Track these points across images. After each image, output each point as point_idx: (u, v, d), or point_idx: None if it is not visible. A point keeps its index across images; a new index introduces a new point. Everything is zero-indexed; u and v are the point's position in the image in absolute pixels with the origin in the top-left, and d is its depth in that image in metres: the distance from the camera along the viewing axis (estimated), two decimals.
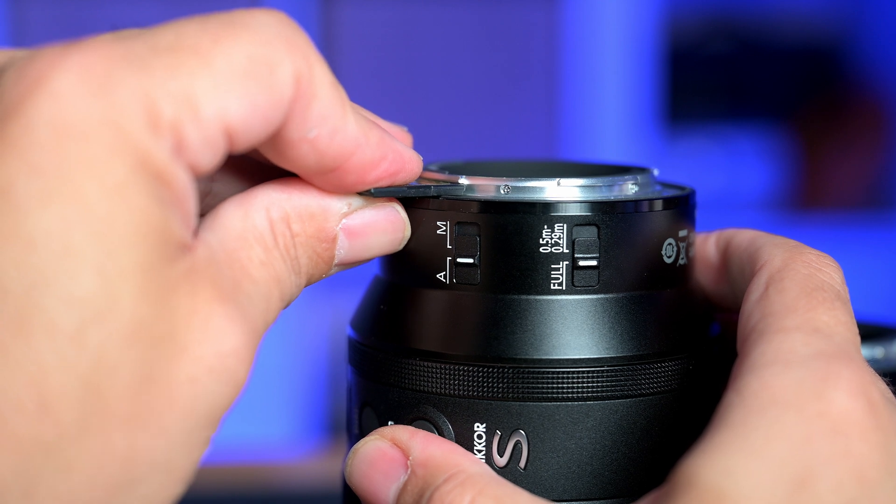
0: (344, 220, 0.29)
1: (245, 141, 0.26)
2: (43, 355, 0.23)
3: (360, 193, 0.29)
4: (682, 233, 0.32)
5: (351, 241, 0.29)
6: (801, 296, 0.28)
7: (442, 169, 0.32)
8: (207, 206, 0.30)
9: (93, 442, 0.23)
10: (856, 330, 0.28)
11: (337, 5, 1.69)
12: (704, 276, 0.33)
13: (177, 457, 0.24)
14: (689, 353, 0.31)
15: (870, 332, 0.36)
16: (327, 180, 0.28)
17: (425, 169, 0.32)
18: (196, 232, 0.26)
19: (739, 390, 0.27)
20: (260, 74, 0.25)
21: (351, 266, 0.30)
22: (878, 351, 0.34)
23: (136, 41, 0.25)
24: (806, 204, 1.90)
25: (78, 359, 0.23)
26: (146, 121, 0.24)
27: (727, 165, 1.89)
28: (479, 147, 1.72)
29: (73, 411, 0.23)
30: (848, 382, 0.26)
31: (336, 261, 0.29)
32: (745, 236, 0.33)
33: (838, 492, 0.25)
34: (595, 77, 1.71)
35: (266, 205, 0.27)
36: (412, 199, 0.30)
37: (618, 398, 0.30)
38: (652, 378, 0.30)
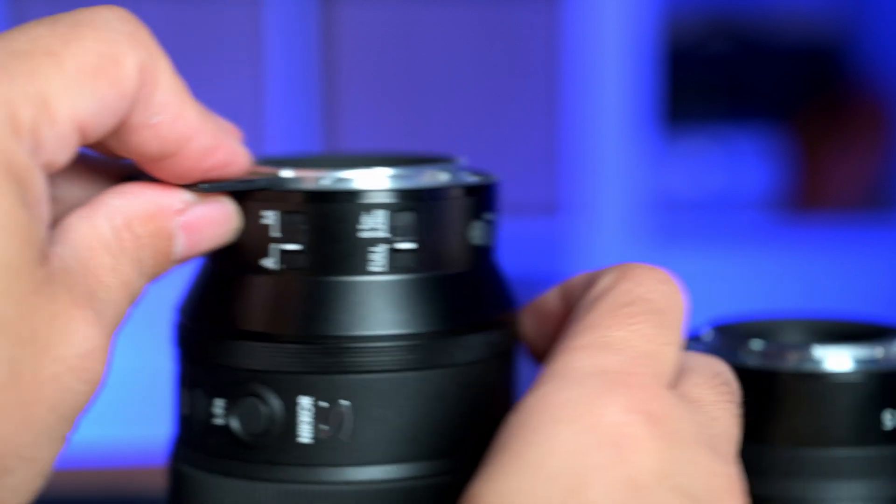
0: (180, 218, 0.31)
1: (95, 134, 0.28)
2: None
3: (191, 188, 0.31)
4: (488, 216, 0.34)
5: (188, 236, 0.31)
6: (607, 313, 0.30)
7: (269, 163, 0.34)
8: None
9: None
10: (667, 341, 0.29)
11: (337, 5, 1.69)
12: (547, 328, 0.34)
13: (42, 450, 0.26)
14: (495, 326, 0.33)
15: (869, 332, 0.37)
16: (165, 167, 0.30)
17: (258, 164, 0.34)
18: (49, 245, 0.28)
19: (519, 409, 0.28)
20: (107, 70, 0.27)
21: (188, 259, 0.32)
22: (878, 351, 0.35)
23: None
24: (806, 204, 1.90)
25: None
26: (9, 125, 0.26)
27: (727, 165, 1.89)
28: (478, 147, 1.72)
29: None
30: (624, 398, 0.27)
31: (174, 256, 0.31)
32: (581, 276, 0.34)
33: (609, 497, 0.26)
34: (595, 77, 1.71)
35: (108, 214, 0.29)
36: (240, 193, 0.33)
37: (432, 369, 0.32)
38: (463, 349, 0.32)
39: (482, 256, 0.34)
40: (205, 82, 1.69)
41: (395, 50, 1.71)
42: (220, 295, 0.33)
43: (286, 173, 0.33)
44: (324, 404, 0.32)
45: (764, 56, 1.91)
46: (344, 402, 0.32)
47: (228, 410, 0.32)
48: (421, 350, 0.32)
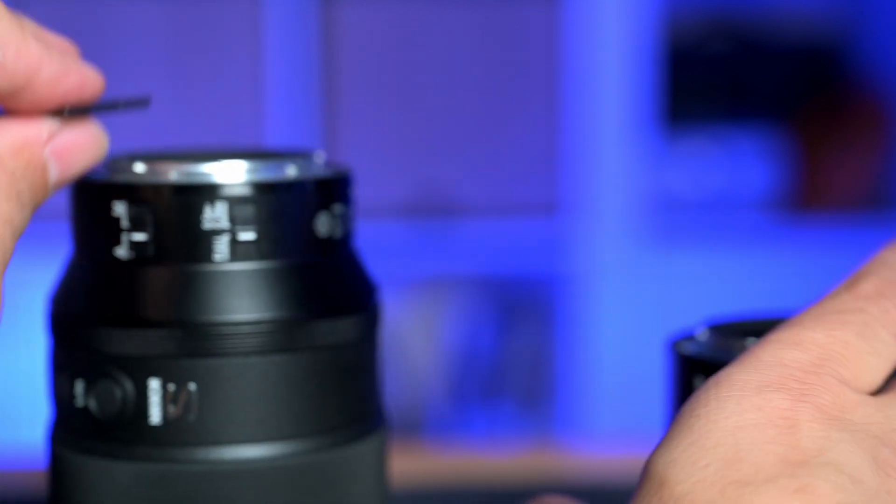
0: (49, 146, 0.32)
1: None
2: None
3: (56, 115, 0.32)
4: (337, 208, 0.36)
5: (60, 162, 0.32)
6: (814, 315, 0.31)
7: (129, 157, 0.36)
8: None
9: None
10: (871, 351, 0.30)
11: (337, 5, 1.69)
12: None
13: None
14: (342, 313, 0.35)
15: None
16: (22, 101, 0.31)
17: (118, 159, 0.36)
18: None
19: (700, 387, 0.29)
20: None
21: (65, 185, 0.33)
22: None
23: None
24: (806, 204, 1.90)
25: None
26: None
27: (727, 165, 1.89)
28: (478, 147, 1.72)
29: None
30: (796, 392, 0.28)
31: (50, 184, 0.32)
32: None
33: (762, 471, 0.26)
34: (595, 77, 1.71)
35: None
36: (95, 189, 0.34)
37: (276, 353, 0.34)
38: (306, 336, 0.34)
39: (332, 247, 0.36)
40: (205, 82, 1.69)
41: (395, 50, 1.71)
42: (80, 284, 0.35)
43: (138, 167, 0.35)
44: (172, 387, 0.34)
45: (764, 56, 1.91)
46: (191, 385, 0.34)
47: (87, 392, 0.34)
48: (264, 336, 0.34)
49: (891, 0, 1.97)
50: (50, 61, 0.31)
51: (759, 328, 0.37)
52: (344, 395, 0.35)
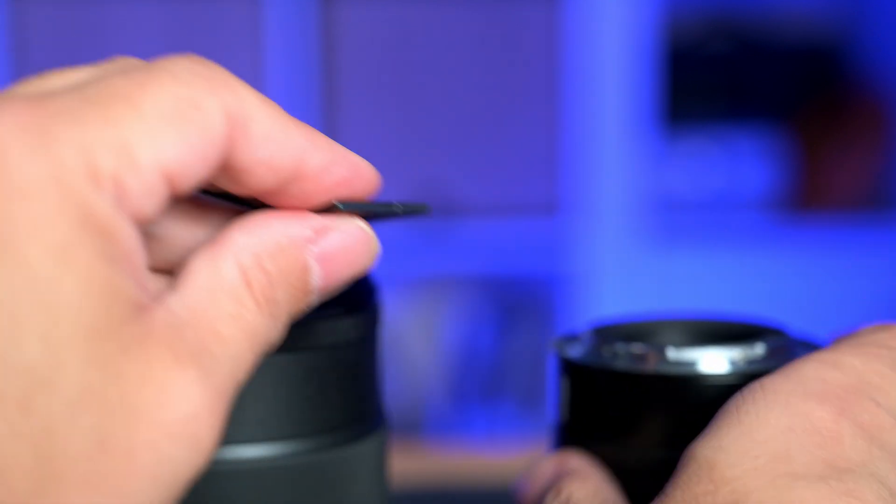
0: (313, 248, 0.28)
1: (187, 181, 0.26)
2: None
3: (325, 212, 0.29)
4: None
5: (324, 266, 0.29)
6: (851, 345, 0.32)
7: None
8: (154, 254, 0.30)
9: None
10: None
11: (337, 5, 1.69)
12: None
13: None
14: (340, 315, 0.35)
15: (747, 333, 0.37)
16: (288, 197, 0.28)
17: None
18: (156, 291, 0.26)
19: (745, 391, 0.31)
20: (188, 114, 0.25)
21: (329, 292, 0.29)
22: (742, 352, 0.35)
23: (67, 95, 0.25)
24: (806, 204, 1.90)
25: (26, 427, 0.23)
26: (87, 174, 0.24)
27: (727, 165, 1.89)
28: (479, 147, 1.72)
29: (27, 479, 0.23)
30: (837, 407, 0.30)
31: (311, 292, 0.28)
32: None
33: (811, 470, 0.28)
34: (595, 77, 1.71)
35: (235, 254, 0.27)
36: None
37: (276, 353, 0.32)
38: (306, 336, 0.34)
39: None
40: None
41: (395, 50, 1.71)
42: None
43: None
44: None
45: (764, 56, 1.91)
46: None
47: None
48: None
49: (891, 0, 1.97)
50: (316, 150, 0.28)
51: (641, 330, 0.37)
52: (344, 395, 0.35)
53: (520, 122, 1.73)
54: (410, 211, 0.31)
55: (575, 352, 0.36)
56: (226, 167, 0.27)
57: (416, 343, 1.71)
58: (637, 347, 0.35)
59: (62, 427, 0.23)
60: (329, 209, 0.29)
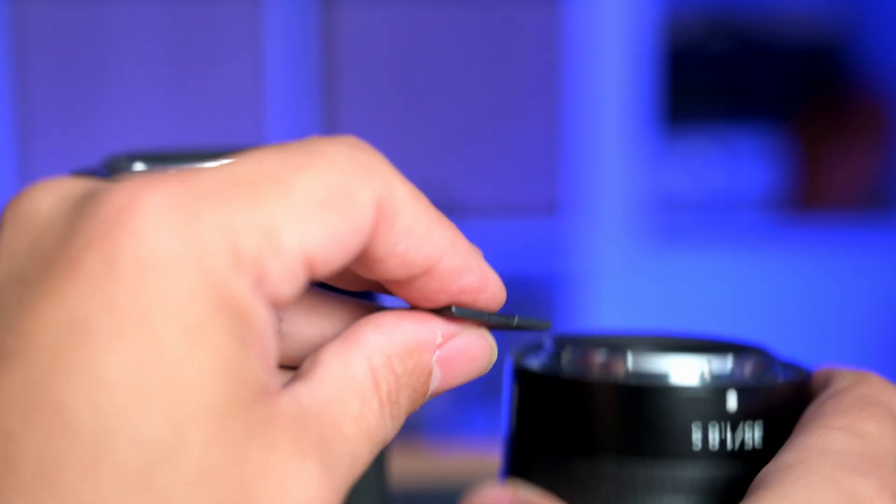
0: (437, 352, 0.29)
1: (325, 269, 0.26)
2: (110, 496, 0.22)
3: (441, 313, 0.29)
4: None
5: (444, 371, 0.29)
6: (854, 405, 0.31)
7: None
8: (281, 350, 0.30)
9: None
10: None
11: (337, 5, 1.69)
12: None
13: None
14: None
15: (712, 349, 0.36)
16: (412, 289, 0.28)
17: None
18: (285, 380, 0.26)
19: (779, 465, 0.29)
20: (339, 203, 0.25)
21: (441, 393, 0.30)
22: (699, 365, 0.34)
23: (217, 173, 0.25)
24: (806, 204, 1.90)
25: (144, 500, 0.23)
26: (229, 256, 0.24)
27: (727, 165, 1.89)
28: (479, 147, 1.72)
29: None
30: (878, 480, 0.29)
31: (430, 391, 0.29)
32: (818, 373, 0.35)
33: None
34: (595, 77, 1.71)
35: (367, 353, 0.27)
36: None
37: None
38: None
39: None
40: (205, 82, 1.69)
41: (395, 50, 1.71)
42: None
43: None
44: None
45: (764, 56, 1.91)
46: None
47: None
48: None
49: (891, 0, 1.97)
50: (454, 254, 0.28)
51: (608, 342, 0.36)
52: None
53: (520, 122, 1.73)
54: (526, 326, 0.31)
55: (530, 361, 0.35)
56: (362, 254, 0.27)
57: None
58: (591, 355, 0.33)
59: (180, 503, 0.23)
60: (441, 310, 0.29)
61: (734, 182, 1.89)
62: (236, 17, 1.67)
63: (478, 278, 0.29)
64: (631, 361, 0.32)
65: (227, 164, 0.25)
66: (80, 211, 0.24)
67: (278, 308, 0.25)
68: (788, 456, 0.29)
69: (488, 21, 1.72)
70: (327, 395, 0.26)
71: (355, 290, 0.31)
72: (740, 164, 1.89)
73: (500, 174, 1.73)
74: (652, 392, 0.32)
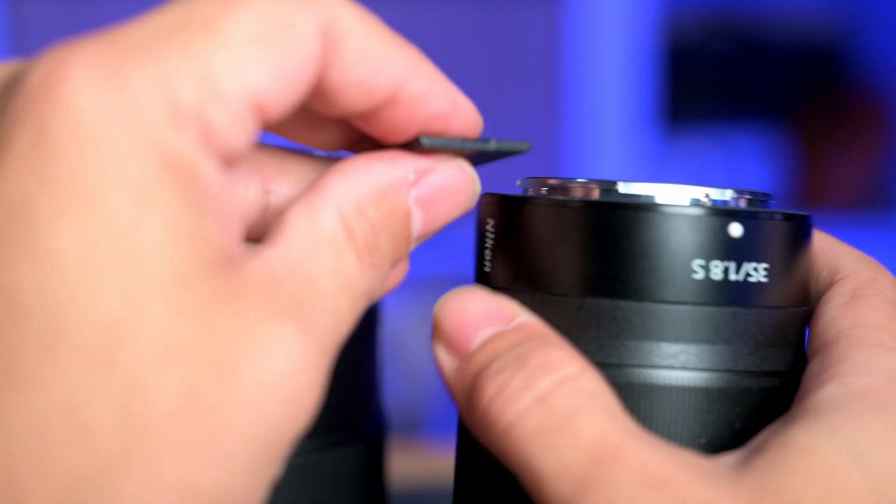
0: (413, 191, 0.26)
1: (277, 110, 0.24)
2: (72, 379, 0.21)
3: (411, 147, 0.26)
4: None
5: (425, 211, 0.27)
6: (893, 318, 0.29)
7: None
8: (268, 223, 0.28)
9: (140, 471, 0.21)
10: None
11: None
12: None
13: (243, 486, 0.22)
14: None
15: None
16: (378, 121, 0.26)
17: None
18: (258, 250, 0.24)
19: (849, 389, 0.26)
20: (278, 35, 0.23)
21: (427, 238, 0.28)
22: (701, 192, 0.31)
23: (143, 26, 0.23)
24: (806, 204, 1.90)
25: (109, 381, 0.21)
26: (167, 112, 0.22)
27: (727, 165, 1.89)
28: None
29: (113, 438, 0.21)
30: None
31: (414, 236, 0.27)
32: (818, 240, 0.33)
33: None
34: (595, 77, 1.71)
35: (336, 203, 0.25)
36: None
37: None
38: None
39: None
40: None
41: None
42: None
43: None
44: None
45: (764, 56, 1.91)
46: None
47: None
48: None
49: (891, 0, 1.97)
50: (417, 78, 0.25)
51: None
52: (341, 396, 0.34)
53: (520, 121, 1.73)
54: (506, 150, 0.28)
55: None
56: (316, 88, 0.25)
57: (416, 343, 1.71)
58: (574, 185, 0.29)
59: (147, 381, 0.21)
60: (412, 144, 0.26)
61: (734, 182, 1.89)
62: None
63: (447, 102, 0.26)
64: (622, 187, 0.28)
65: (152, 15, 0.23)
66: (9, 90, 0.23)
67: (231, 161, 0.23)
68: (855, 380, 0.26)
69: (488, 21, 1.72)
70: (297, 254, 0.24)
71: (328, 150, 0.29)
72: (740, 163, 1.89)
73: (499, 173, 1.73)
74: (647, 210, 0.27)
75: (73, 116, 0.22)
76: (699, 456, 0.25)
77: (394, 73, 0.25)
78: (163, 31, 0.23)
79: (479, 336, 0.27)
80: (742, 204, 0.30)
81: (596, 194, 0.29)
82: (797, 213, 0.31)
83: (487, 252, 0.30)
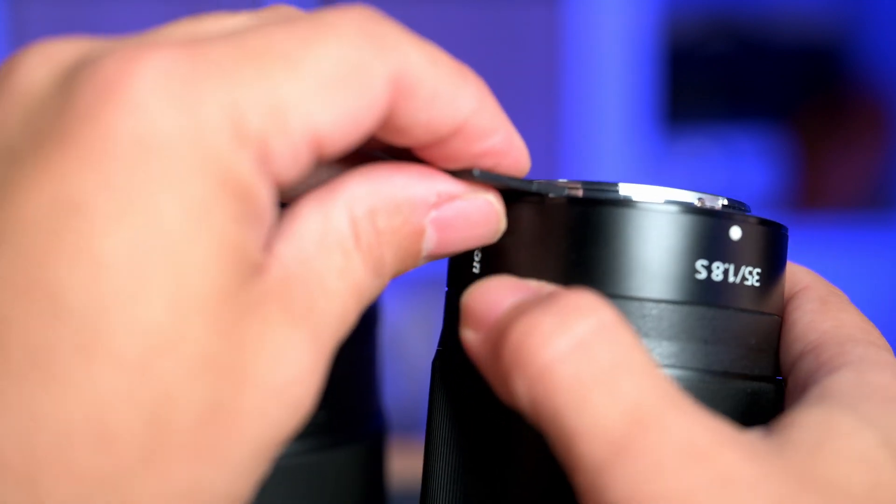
0: (433, 212, 0.26)
1: (334, 149, 0.24)
2: (105, 384, 0.21)
3: (460, 175, 0.27)
4: None
5: (440, 233, 0.27)
6: (865, 320, 0.29)
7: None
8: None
9: (156, 477, 0.22)
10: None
11: (336, 5, 1.69)
12: None
13: (238, 486, 0.23)
14: None
15: None
16: (433, 149, 0.26)
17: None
18: (271, 244, 0.24)
19: (863, 376, 0.26)
20: (350, 80, 0.24)
21: (439, 258, 0.28)
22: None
23: (223, 45, 0.23)
24: (806, 204, 1.90)
25: (141, 390, 0.21)
26: (232, 134, 0.22)
27: (727, 165, 1.89)
28: None
29: (136, 445, 0.21)
30: None
31: (423, 254, 0.27)
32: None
33: None
34: (595, 77, 1.71)
35: (348, 202, 0.25)
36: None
37: None
38: None
39: None
40: None
41: None
42: None
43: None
44: None
45: (764, 56, 1.91)
46: None
47: None
48: None
49: (891, 0, 1.97)
50: (482, 115, 0.26)
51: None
52: (341, 396, 0.34)
53: (520, 121, 1.73)
54: (545, 191, 0.28)
55: None
56: (384, 125, 0.25)
57: (416, 343, 1.71)
58: (557, 181, 0.29)
59: (177, 393, 0.22)
60: (461, 172, 0.27)
61: (734, 182, 1.89)
62: None
63: (503, 140, 0.27)
64: (620, 189, 0.28)
65: (233, 36, 0.23)
66: (74, 78, 0.23)
67: (282, 186, 0.24)
68: (870, 373, 0.26)
69: (488, 21, 1.72)
70: (309, 251, 0.24)
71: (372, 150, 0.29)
72: (740, 163, 1.89)
73: None
74: (650, 210, 0.27)
75: (141, 125, 0.22)
76: (738, 429, 0.24)
77: (460, 111, 0.26)
78: (241, 54, 0.23)
79: (506, 304, 0.26)
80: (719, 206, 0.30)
81: (599, 194, 0.29)
82: (777, 222, 0.31)
83: (476, 253, 0.29)
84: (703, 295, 0.28)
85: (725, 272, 0.28)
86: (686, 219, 0.28)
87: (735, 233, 0.28)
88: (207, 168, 0.22)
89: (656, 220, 0.28)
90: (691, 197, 0.29)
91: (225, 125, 0.22)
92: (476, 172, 0.26)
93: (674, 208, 0.28)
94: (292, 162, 0.23)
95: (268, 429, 0.23)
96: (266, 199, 0.23)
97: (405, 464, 0.62)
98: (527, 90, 1.73)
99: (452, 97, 0.25)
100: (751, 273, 0.29)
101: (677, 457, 0.23)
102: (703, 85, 1.91)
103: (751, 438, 0.24)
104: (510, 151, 0.27)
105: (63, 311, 0.21)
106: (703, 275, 0.28)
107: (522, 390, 0.24)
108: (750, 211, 0.31)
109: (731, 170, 1.89)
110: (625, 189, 0.28)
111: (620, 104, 1.72)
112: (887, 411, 0.25)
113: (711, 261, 0.28)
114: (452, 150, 0.26)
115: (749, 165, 1.89)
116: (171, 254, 0.22)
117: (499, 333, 0.25)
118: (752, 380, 0.28)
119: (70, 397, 0.21)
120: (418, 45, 0.26)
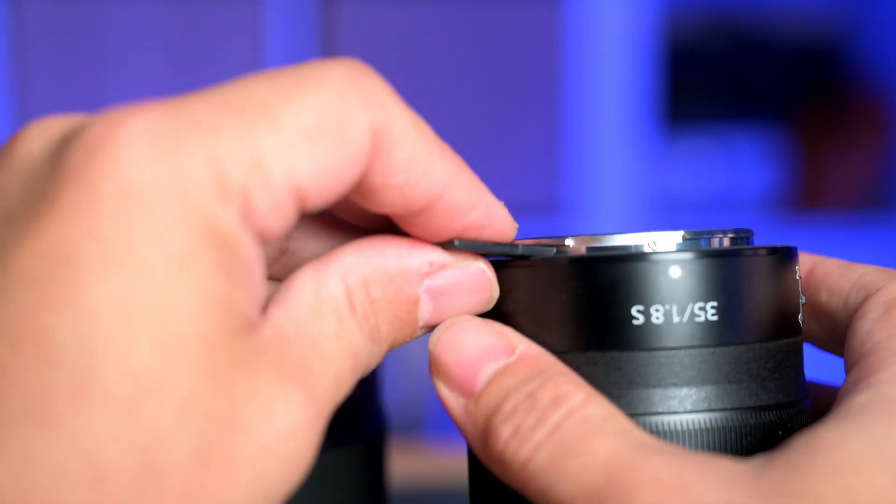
0: (426, 282, 0.27)
1: (318, 201, 0.25)
2: (98, 427, 0.22)
3: (444, 246, 0.28)
4: None
5: (435, 302, 0.28)
6: None
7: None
8: (284, 266, 0.29)
9: None
10: None
11: (337, 5, 1.69)
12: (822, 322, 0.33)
13: None
14: None
15: None
16: (415, 223, 0.27)
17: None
18: (266, 306, 0.25)
19: (884, 395, 0.26)
20: (332, 132, 0.24)
21: (435, 327, 0.28)
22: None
23: (202, 101, 0.24)
24: (806, 204, 1.90)
25: (132, 431, 0.22)
26: (214, 186, 0.23)
27: (727, 165, 1.89)
28: (479, 147, 1.72)
29: (128, 486, 0.22)
30: None
31: (421, 323, 0.28)
32: (835, 268, 0.33)
33: None
34: (595, 77, 1.71)
35: (342, 272, 0.26)
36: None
37: None
38: None
39: None
40: (205, 82, 1.68)
41: (395, 49, 1.71)
42: None
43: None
44: None
45: (764, 56, 1.91)
46: None
47: None
48: None
49: (891, 0, 1.97)
50: (457, 190, 0.27)
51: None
52: None
53: (520, 122, 1.73)
54: (531, 254, 0.29)
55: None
56: (359, 184, 0.26)
57: (416, 343, 1.71)
58: (553, 240, 0.30)
59: (167, 436, 0.23)
60: (447, 245, 0.27)
61: (734, 182, 1.89)
62: (236, 17, 1.67)
63: (482, 214, 0.27)
64: (587, 241, 0.29)
65: (214, 91, 0.24)
66: (65, 145, 0.24)
67: (266, 240, 0.24)
68: (890, 388, 0.26)
69: (488, 21, 1.72)
70: (304, 316, 0.25)
71: (365, 226, 0.29)
72: (740, 164, 1.89)
73: (499, 173, 1.73)
74: (642, 261, 0.29)
75: (125, 179, 0.23)
76: (718, 458, 0.25)
77: (435, 183, 0.26)
78: (221, 109, 0.24)
79: (482, 373, 0.28)
80: (725, 243, 0.30)
81: (582, 250, 0.30)
82: (781, 246, 0.31)
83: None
84: (643, 341, 0.28)
85: (716, 309, 0.28)
86: (620, 267, 0.29)
87: (674, 272, 0.29)
88: (190, 218, 0.23)
89: (592, 272, 0.29)
90: (676, 237, 0.30)
91: (206, 177, 0.23)
92: (457, 243, 0.27)
93: (609, 257, 0.29)
94: (275, 213, 0.24)
95: (260, 479, 0.24)
96: (250, 249, 0.24)
97: (405, 464, 0.62)
98: (527, 90, 1.73)
99: (429, 165, 0.26)
100: (701, 309, 0.29)
101: (652, 492, 0.24)
102: (703, 85, 1.91)
103: (732, 464, 0.25)
104: (492, 223, 0.28)
105: (55, 357, 0.22)
106: (701, 317, 0.28)
107: (511, 478, 0.26)
108: (751, 237, 0.31)
109: (731, 170, 1.89)
110: (615, 241, 0.30)
111: (620, 104, 1.72)
112: (890, 422, 0.25)
113: (706, 302, 0.28)
114: (434, 226, 0.27)
115: (749, 165, 1.89)
116: (155, 300, 0.23)
117: (482, 418, 0.27)
118: (767, 410, 0.28)
119: (64, 438, 0.22)
120: (404, 108, 0.26)
